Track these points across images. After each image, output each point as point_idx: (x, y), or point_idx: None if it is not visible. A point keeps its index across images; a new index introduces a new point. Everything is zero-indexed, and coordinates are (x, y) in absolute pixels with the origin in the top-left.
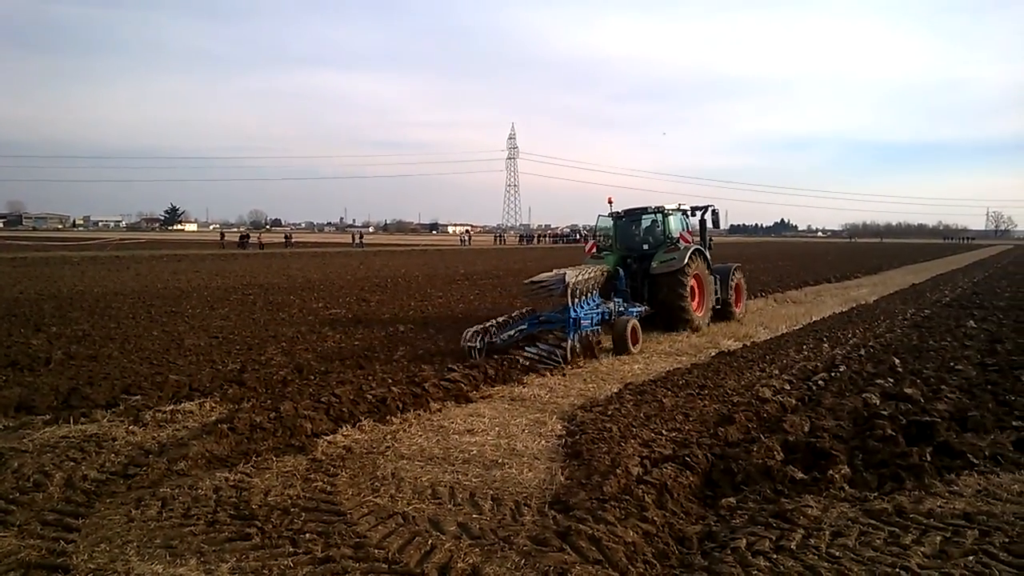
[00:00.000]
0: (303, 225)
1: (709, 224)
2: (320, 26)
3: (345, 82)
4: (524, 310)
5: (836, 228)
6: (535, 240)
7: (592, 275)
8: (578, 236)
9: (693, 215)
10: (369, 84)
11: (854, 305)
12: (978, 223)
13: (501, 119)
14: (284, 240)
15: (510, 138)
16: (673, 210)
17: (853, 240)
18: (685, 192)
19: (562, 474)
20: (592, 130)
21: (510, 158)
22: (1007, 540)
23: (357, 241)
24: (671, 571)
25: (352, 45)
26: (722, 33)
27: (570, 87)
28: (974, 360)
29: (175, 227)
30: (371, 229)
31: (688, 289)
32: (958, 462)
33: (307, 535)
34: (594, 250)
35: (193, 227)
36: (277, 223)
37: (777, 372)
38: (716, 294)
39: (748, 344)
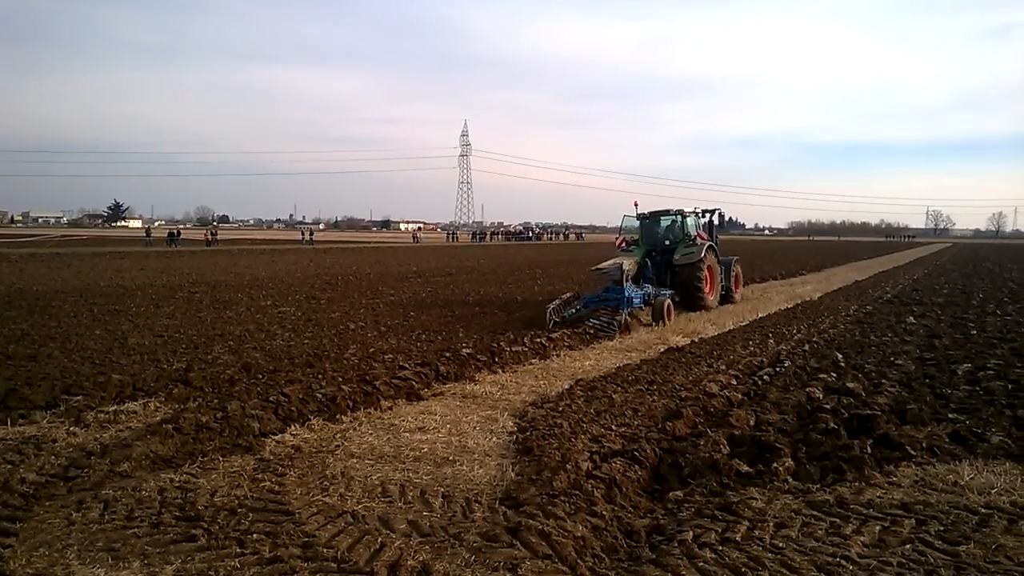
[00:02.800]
0: (251, 222)
1: (716, 224)
2: (269, 20)
3: (295, 77)
4: (573, 292)
5: (783, 226)
6: (488, 238)
7: (633, 265)
8: (530, 234)
9: (703, 216)
10: (320, 79)
11: (799, 302)
12: (919, 222)
13: (454, 116)
14: (208, 238)
15: (463, 135)
16: (690, 212)
17: (811, 238)
18: (637, 191)
19: (513, 470)
20: (545, 128)
21: (463, 155)
22: (942, 529)
23: (307, 238)
24: (619, 564)
25: (301, 40)
26: (672, 33)
27: (523, 85)
28: (913, 355)
29: (119, 223)
30: (321, 226)
31: (704, 277)
32: (897, 454)
33: (254, 535)
34: (623, 245)
35: (138, 223)
36: (224, 219)
37: (724, 367)
38: (722, 281)
39: (696, 340)
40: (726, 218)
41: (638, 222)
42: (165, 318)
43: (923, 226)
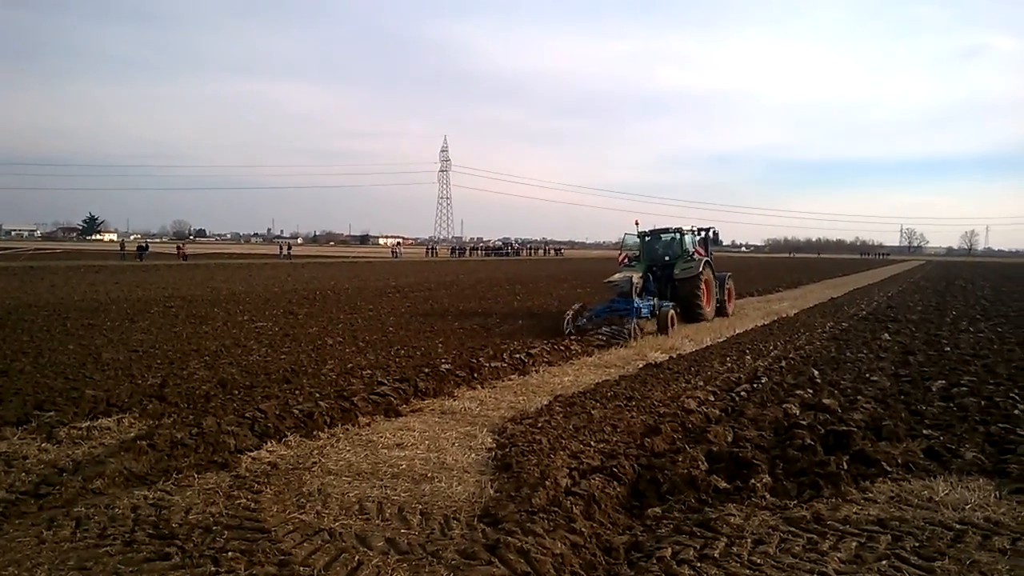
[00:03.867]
0: (229, 236)
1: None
2: (248, 33)
3: (274, 91)
4: (582, 304)
5: (759, 243)
6: (467, 253)
7: (640, 279)
8: (509, 249)
9: (699, 234)
10: (299, 93)
11: (776, 318)
12: (893, 239)
13: (434, 131)
14: (180, 252)
15: (443, 150)
16: (688, 230)
17: (792, 255)
18: (615, 207)
19: (491, 487)
20: (524, 144)
21: (443, 171)
22: (917, 544)
23: (285, 253)
24: None
25: (280, 53)
26: (651, 51)
27: (503, 101)
28: (888, 371)
29: (93, 237)
30: (299, 240)
31: (702, 291)
32: (873, 470)
33: (229, 553)
34: (625, 260)
35: (113, 237)
36: (201, 233)
37: (702, 383)
38: (717, 295)
39: (674, 356)
40: (720, 236)
41: (638, 239)
42: (140, 333)
43: (897, 243)
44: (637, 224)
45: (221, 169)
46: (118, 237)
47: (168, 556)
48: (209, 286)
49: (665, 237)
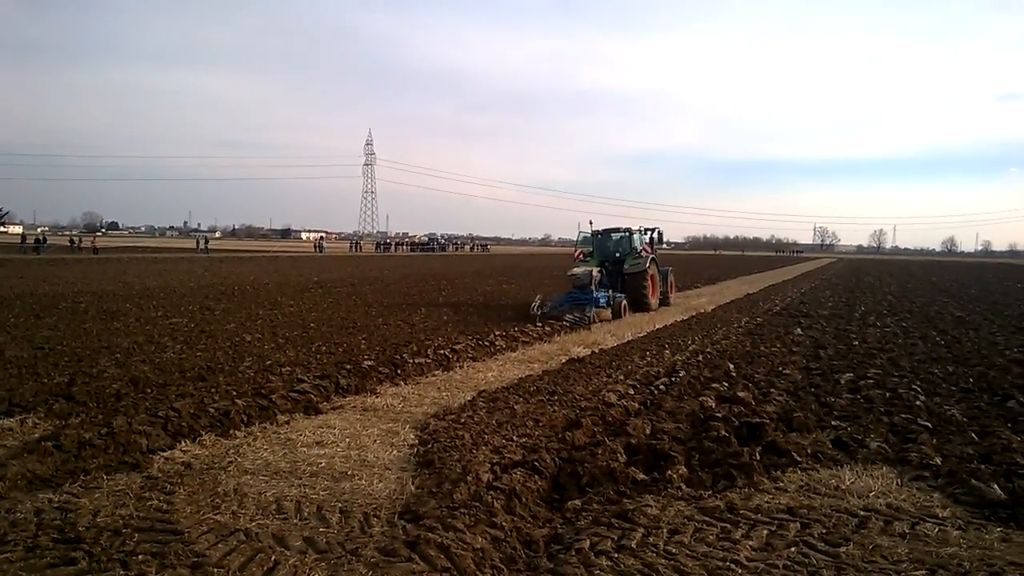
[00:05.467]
0: (143, 229)
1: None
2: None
3: (192, 80)
4: (544, 295)
5: (679, 240)
6: (393, 248)
7: (599, 273)
8: (435, 245)
9: (645, 233)
10: (218, 83)
11: (694, 314)
12: (807, 237)
13: (358, 124)
14: (76, 244)
15: (367, 144)
16: (636, 230)
17: (718, 252)
18: (542, 203)
19: (413, 484)
20: (452, 139)
21: (367, 164)
22: (824, 531)
23: (202, 246)
24: (517, 575)
25: (199, 42)
26: (577, 50)
27: (430, 95)
28: (800, 365)
29: None
30: (218, 234)
31: (648, 284)
32: (784, 460)
33: (140, 556)
34: (581, 256)
35: (18, 229)
36: (114, 226)
37: (622, 378)
38: (660, 287)
39: (596, 351)
40: (664, 236)
41: (592, 237)
42: (46, 329)
43: (811, 241)
44: (591, 224)
45: (135, 160)
46: (23, 230)
47: (74, 561)
48: (121, 281)
49: (616, 236)
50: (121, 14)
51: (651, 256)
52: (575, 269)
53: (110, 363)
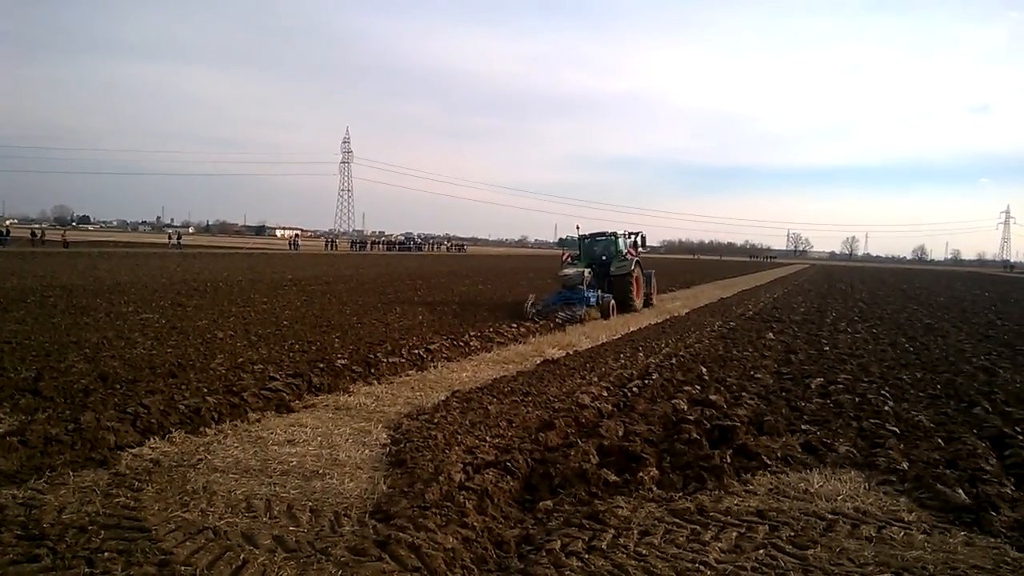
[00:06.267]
0: (115, 223)
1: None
2: (139, 15)
3: (167, 75)
4: (537, 295)
5: (655, 244)
6: (368, 247)
7: (590, 274)
8: (412, 244)
9: (629, 237)
10: (194, 78)
11: (668, 317)
12: (780, 243)
13: (336, 122)
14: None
15: (344, 142)
16: (621, 234)
17: (696, 257)
18: (520, 205)
19: (385, 483)
20: (429, 139)
21: (344, 162)
22: (792, 534)
23: (175, 242)
24: (488, 575)
25: (175, 37)
26: (557, 52)
27: (408, 95)
28: (771, 369)
29: None
30: (191, 230)
31: (633, 285)
32: (754, 463)
33: (105, 554)
34: (568, 258)
35: None
36: (85, 219)
37: (596, 379)
38: (644, 289)
39: (571, 353)
40: (647, 240)
41: (579, 240)
42: (13, 323)
43: (784, 247)
44: (578, 228)
45: (108, 153)
46: None
47: (38, 558)
48: (91, 275)
49: (602, 240)
50: (96, 6)
51: (636, 259)
52: (566, 270)
53: (79, 358)
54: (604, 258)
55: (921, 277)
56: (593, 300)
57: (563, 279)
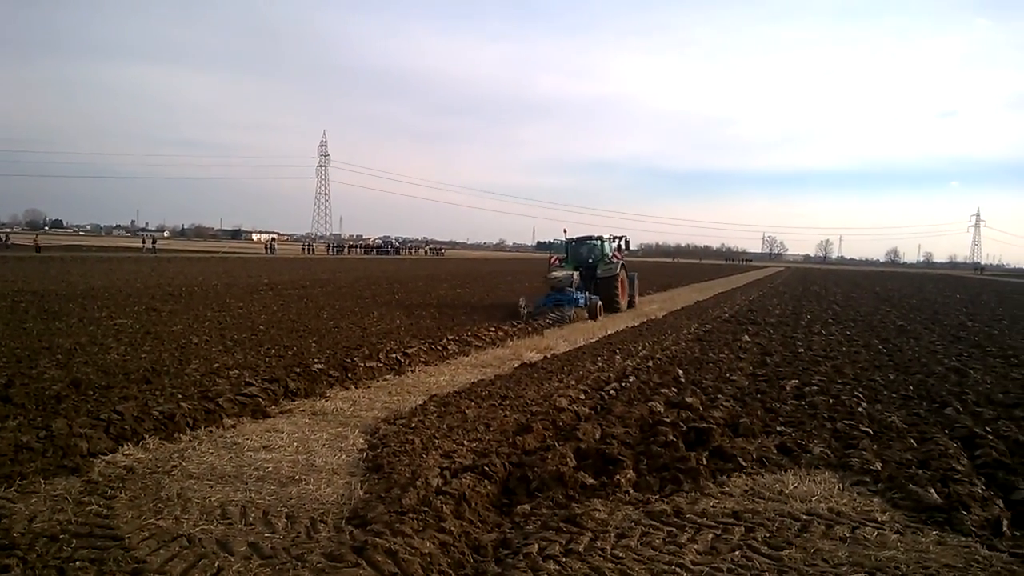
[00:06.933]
0: (88, 227)
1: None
2: (110, 16)
3: (141, 77)
4: (528, 296)
5: (632, 248)
6: (346, 251)
7: (578, 277)
8: (389, 249)
9: (614, 241)
10: (168, 81)
11: (645, 320)
12: (756, 246)
13: (312, 125)
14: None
15: (321, 145)
16: (607, 238)
17: (675, 260)
18: (497, 208)
19: (361, 488)
20: (407, 142)
21: (321, 165)
22: (768, 535)
23: (149, 246)
24: None
25: (149, 39)
26: (535, 56)
27: (386, 98)
28: (747, 371)
29: None
30: (166, 234)
31: (619, 287)
32: (730, 465)
33: (77, 563)
34: (556, 261)
35: None
36: (58, 224)
37: (573, 382)
38: (629, 291)
39: (549, 356)
40: (631, 244)
41: (565, 244)
42: None
43: (760, 250)
44: (565, 232)
45: (81, 156)
46: None
47: (7, 568)
48: (64, 280)
49: (588, 243)
50: (66, 5)
51: (621, 262)
52: (556, 273)
53: (50, 364)
54: (590, 261)
55: (894, 279)
56: (582, 302)
57: (553, 281)
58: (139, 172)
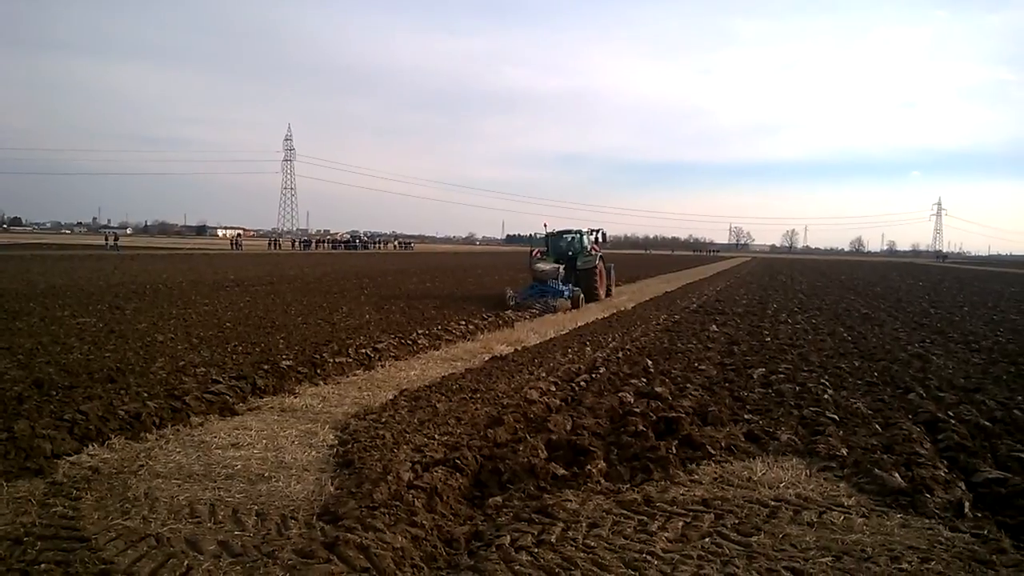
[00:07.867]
0: (48, 224)
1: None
2: (67, 7)
3: (102, 71)
4: (514, 288)
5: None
6: (313, 246)
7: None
8: (357, 243)
9: (592, 234)
10: (130, 75)
11: (614, 311)
12: (723, 237)
13: (277, 120)
14: None
15: (286, 139)
16: (586, 232)
17: (648, 252)
18: (466, 202)
19: (332, 484)
20: (374, 136)
21: (286, 160)
22: (737, 522)
23: (112, 243)
24: (438, 573)
25: (110, 33)
26: (501, 50)
27: (351, 93)
28: (715, 360)
29: None
30: (129, 231)
31: (598, 277)
32: (699, 453)
33: (43, 565)
34: (538, 254)
35: None
36: (17, 222)
37: (544, 375)
38: (607, 281)
39: (519, 349)
40: (608, 236)
41: (546, 237)
42: None
43: (727, 241)
44: (546, 226)
45: (41, 153)
46: None
47: None
48: (24, 279)
49: (567, 236)
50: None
51: (599, 254)
52: (541, 265)
53: (11, 364)
54: (570, 253)
55: (858, 268)
56: (567, 293)
57: (539, 274)
58: (101, 168)
